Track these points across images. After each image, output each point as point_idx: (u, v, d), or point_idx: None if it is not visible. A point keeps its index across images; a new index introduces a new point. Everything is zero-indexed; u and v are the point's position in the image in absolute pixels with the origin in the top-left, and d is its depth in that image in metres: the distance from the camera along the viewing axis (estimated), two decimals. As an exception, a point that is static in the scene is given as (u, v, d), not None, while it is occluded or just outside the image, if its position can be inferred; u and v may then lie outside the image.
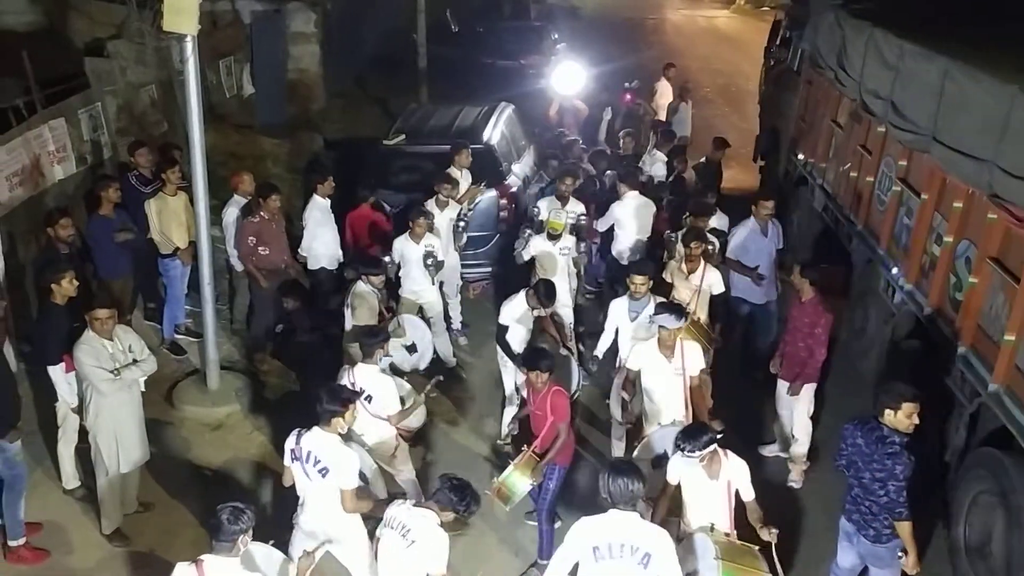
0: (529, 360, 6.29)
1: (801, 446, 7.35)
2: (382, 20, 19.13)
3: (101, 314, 6.16)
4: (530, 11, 24.63)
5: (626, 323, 7.27)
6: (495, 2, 23.91)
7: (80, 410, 6.51)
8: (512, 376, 7.59)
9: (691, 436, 5.29)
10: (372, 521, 5.33)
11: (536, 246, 8.52)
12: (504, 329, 7.53)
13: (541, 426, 6.22)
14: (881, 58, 8.05)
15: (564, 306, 8.35)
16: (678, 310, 6.52)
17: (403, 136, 10.64)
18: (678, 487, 5.48)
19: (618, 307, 7.36)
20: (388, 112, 14.83)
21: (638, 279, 7.22)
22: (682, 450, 5.26)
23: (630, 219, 9.15)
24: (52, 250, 7.61)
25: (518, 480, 6.11)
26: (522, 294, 7.48)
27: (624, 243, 9.20)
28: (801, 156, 10.88)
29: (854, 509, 5.39)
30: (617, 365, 7.37)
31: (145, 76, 10.73)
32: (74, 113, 9.23)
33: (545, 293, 7.31)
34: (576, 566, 4.79)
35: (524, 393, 6.68)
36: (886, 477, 5.08)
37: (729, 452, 5.42)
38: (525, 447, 6.28)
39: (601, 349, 7.51)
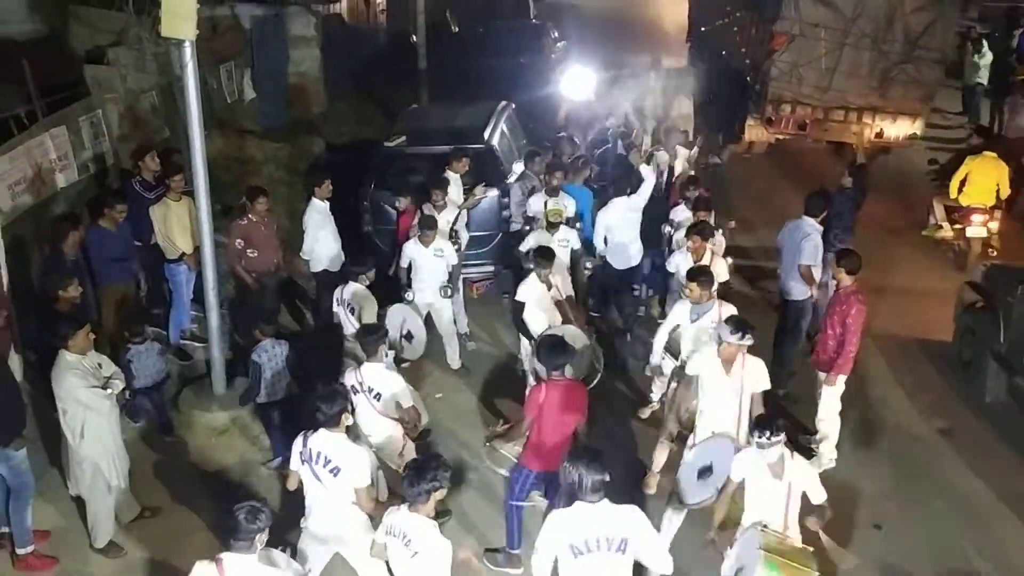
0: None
1: (828, 440, 7.26)
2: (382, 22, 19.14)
3: (82, 333, 6.07)
4: (530, 10, 24.57)
5: (687, 325, 7.05)
6: (495, 1, 23.85)
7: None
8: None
9: (764, 425, 5.22)
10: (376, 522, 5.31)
11: (535, 239, 8.54)
12: (520, 306, 7.66)
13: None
14: None
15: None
16: (743, 326, 6.10)
17: (403, 137, 10.60)
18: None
19: (680, 308, 7.15)
20: (389, 113, 14.82)
21: (693, 285, 6.95)
22: (756, 440, 5.18)
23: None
24: (57, 259, 7.63)
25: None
26: (534, 274, 7.66)
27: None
28: (703, 29, 18.64)
29: None
30: (673, 367, 7.23)
31: (145, 82, 10.76)
32: (75, 121, 9.25)
33: (542, 254, 7.69)
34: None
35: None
36: None
37: (795, 454, 5.36)
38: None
39: (657, 349, 7.29)
